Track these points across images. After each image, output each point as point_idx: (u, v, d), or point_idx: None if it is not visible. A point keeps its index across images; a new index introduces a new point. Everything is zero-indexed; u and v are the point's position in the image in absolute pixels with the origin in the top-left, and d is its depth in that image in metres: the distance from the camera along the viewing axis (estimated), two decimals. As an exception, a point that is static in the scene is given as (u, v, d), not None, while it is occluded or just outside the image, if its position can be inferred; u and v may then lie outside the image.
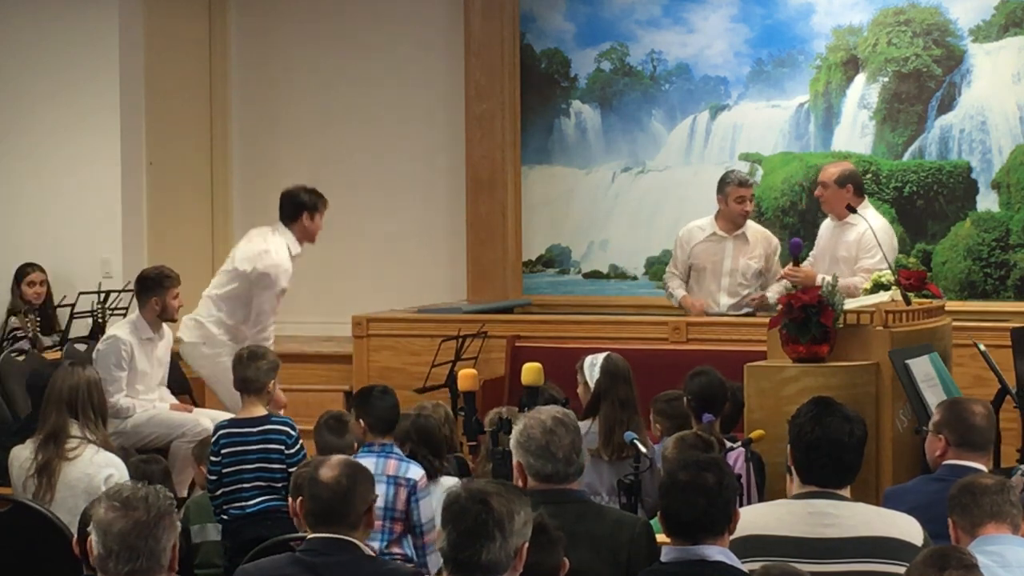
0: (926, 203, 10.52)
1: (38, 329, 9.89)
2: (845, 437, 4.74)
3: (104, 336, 8.56)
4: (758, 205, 10.63)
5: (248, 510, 6.63)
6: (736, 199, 9.30)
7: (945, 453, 5.36)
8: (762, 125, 10.90)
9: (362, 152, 11.62)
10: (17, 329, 9.97)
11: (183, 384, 9.16)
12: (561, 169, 11.33)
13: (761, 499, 5.79)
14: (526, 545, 3.83)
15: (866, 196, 9.25)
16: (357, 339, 9.84)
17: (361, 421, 6.24)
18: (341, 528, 4.46)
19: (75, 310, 9.74)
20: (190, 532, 6.64)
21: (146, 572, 3.81)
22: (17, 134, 10.92)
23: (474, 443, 6.82)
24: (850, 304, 6.79)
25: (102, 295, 9.84)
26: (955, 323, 7.52)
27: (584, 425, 5.93)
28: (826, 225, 9.28)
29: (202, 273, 9.44)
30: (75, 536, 4.74)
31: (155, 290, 8.34)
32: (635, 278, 11.20)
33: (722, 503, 4.25)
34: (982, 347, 7.42)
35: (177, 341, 8.83)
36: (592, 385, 6.76)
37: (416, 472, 6.11)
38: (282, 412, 7.35)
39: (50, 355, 9.27)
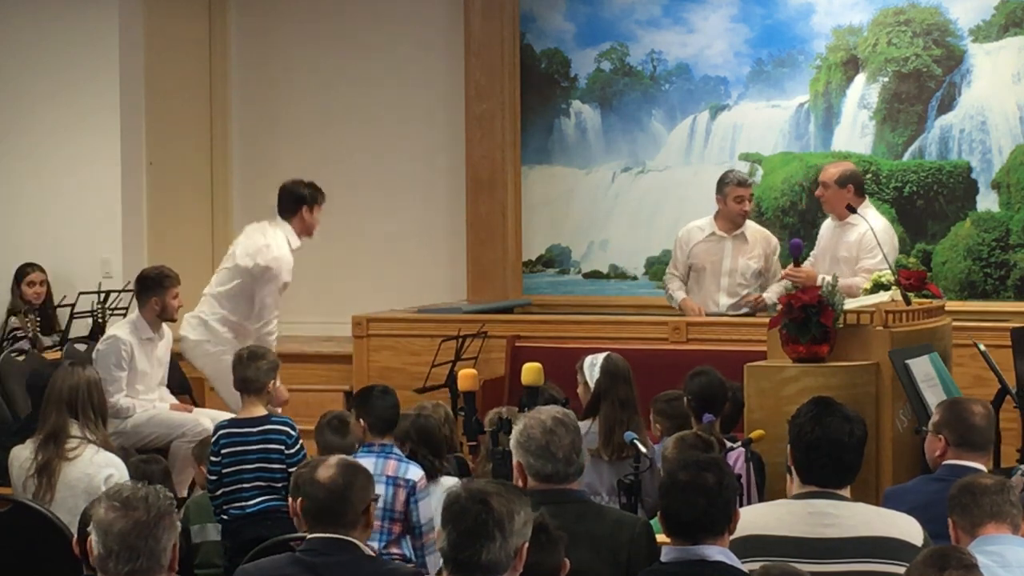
0: (926, 203, 10.52)
1: (38, 329, 9.89)
2: (845, 437, 4.74)
3: (104, 336, 8.56)
4: (758, 205, 10.64)
5: (248, 510, 6.63)
6: (735, 199, 9.30)
7: (945, 453, 5.36)
8: (762, 125, 10.90)
9: (362, 152, 11.62)
10: (17, 329, 9.97)
11: (183, 384, 9.16)
12: (561, 169, 11.33)
13: (761, 499, 5.79)
14: (526, 545, 3.83)
15: (867, 196, 9.25)
16: (357, 339, 9.84)
17: (361, 421, 6.24)
18: (338, 528, 4.46)
19: (75, 310, 9.74)
20: (190, 532, 6.64)
21: (146, 572, 3.81)
22: (17, 134, 10.92)
23: (474, 443, 6.82)
24: (850, 304, 6.79)
25: (102, 295, 9.84)
26: (955, 323, 7.51)
27: (584, 425, 5.93)
28: (827, 225, 9.28)
29: (202, 273, 9.44)
30: (75, 536, 4.74)
31: (155, 290, 8.34)
32: (635, 278, 11.20)
33: (722, 503, 4.25)
34: (982, 347, 7.42)
35: (178, 340, 8.83)
36: (592, 385, 6.76)
37: (415, 473, 6.11)
38: (279, 410, 7.32)
39: (50, 355, 9.27)
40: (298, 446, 6.74)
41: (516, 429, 4.86)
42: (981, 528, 4.59)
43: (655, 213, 11.12)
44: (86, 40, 10.75)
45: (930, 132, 10.53)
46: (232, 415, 7.24)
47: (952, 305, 8.33)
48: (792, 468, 4.81)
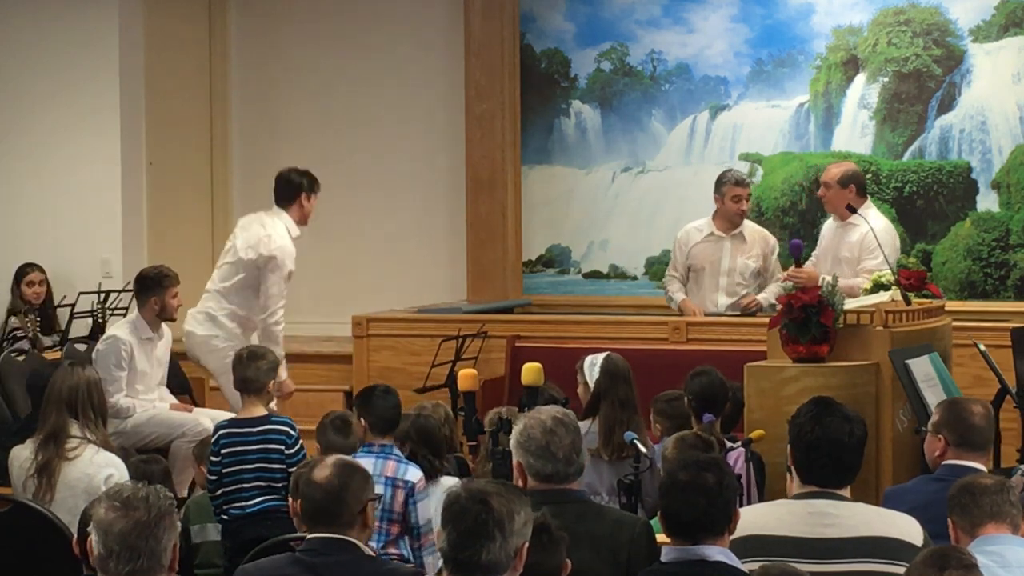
0: (926, 203, 10.53)
1: (38, 329, 9.89)
2: (845, 437, 4.74)
3: (104, 336, 8.56)
4: (758, 205, 10.65)
5: (248, 510, 6.63)
6: (732, 198, 9.30)
7: (944, 453, 5.36)
8: (762, 125, 10.90)
9: (362, 152, 11.63)
10: (17, 329, 9.97)
11: (183, 384, 9.15)
12: (561, 169, 11.33)
13: (761, 499, 5.79)
14: (526, 545, 3.83)
15: (868, 197, 9.25)
16: (357, 339, 9.84)
17: (362, 420, 6.24)
18: (335, 528, 4.45)
19: (75, 310, 9.73)
20: (190, 532, 6.64)
21: (147, 572, 3.81)
22: (17, 134, 10.92)
23: (474, 443, 6.82)
24: (850, 304, 6.79)
25: (102, 295, 9.84)
26: (955, 323, 7.52)
27: (584, 425, 5.93)
28: (828, 225, 9.28)
29: (202, 273, 9.44)
30: (75, 536, 4.74)
31: (154, 290, 8.34)
32: (635, 278, 11.20)
33: (722, 503, 4.25)
34: (982, 347, 7.42)
35: (177, 340, 8.83)
36: (592, 385, 6.75)
37: (414, 474, 6.10)
38: (274, 407, 7.30)
39: (50, 355, 9.26)
40: (298, 446, 6.74)
41: (516, 429, 4.86)
42: (981, 528, 4.59)
43: (655, 213, 11.12)
44: (86, 40, 10.75)
45: (930, 132, 10.53)
46: (233, 415, 7.23)
47: (952, 305, 8.33)
48: (792, 468, 4.81)
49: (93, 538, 3.86)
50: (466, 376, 6.23)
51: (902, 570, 4.22)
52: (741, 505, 4.60)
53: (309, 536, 4.50)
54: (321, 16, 11.73)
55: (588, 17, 11.23)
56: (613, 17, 11.19)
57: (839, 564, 4.56)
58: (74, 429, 6.50)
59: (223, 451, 6.68)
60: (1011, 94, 10.38)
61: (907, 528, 4.62)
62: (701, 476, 4.26)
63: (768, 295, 9.27)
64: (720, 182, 9.39)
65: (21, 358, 9.13)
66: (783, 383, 6.40)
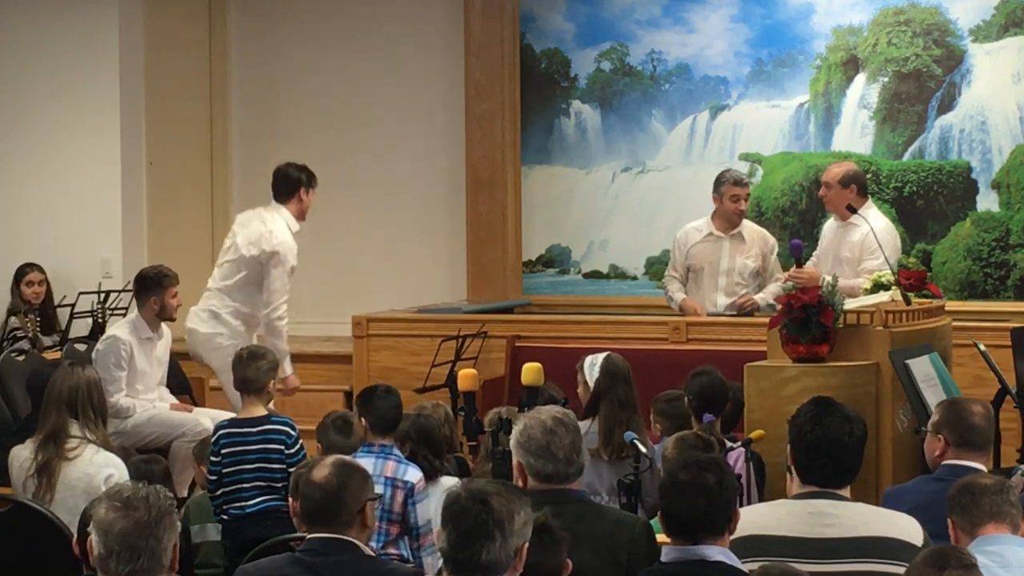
0: (926, 203, 10.53)
1: (38, 329, 9.89)
2: (845, 437, 4.74)
3: (103, 336, 8.56)
4: (758, 205, 10.65)
5: (248, 510, 6.63)
6: (731, 198, 9.30)
7: (944, 453, 5.36)
8: (762, 125, 10.90)
9: (362, 152, 11.63)
10: (17, 329, 9.98)
11: (183, 384, 9.15)
12: (561, 169, 11.33)
13: (761, 499, 5.79)
14: (526, 545, 3.83)
15: (870, 197, 9.24)
16: (357, 339, 9.84)
17: (363, 420, 6.25)
18: (334, 528, 4.45)
19: (75, 310, 9.73)
20: (190, 532, 6.63)
21: (147, 572, 3.81)
22: (17, 134, 10.92)
23: (474, 443, 6.82)
24: (850, 304, 6.79)
25: (102, 295, 9.84)
26: (955, 323, 7.51)
27: (584, 425, 5.93)
28: (829, 225, 9.28)
29: (202, 273, 9.44)
30: (75, 536, 4.74)
31: (154, 289, 8.33)
32: (635, 278, 11.20)
33: (722, 503, 4.25)
34: (982, 347, 7.43)
35: (177, 340, 8.83)
36: (592, 385, 6.75)
37: (414, 475, 6.10)
38: (272, 405, 7.28)
39: (50, 355, 9.26)
40: (298, 446, 6.74)
41: (516, 429, 4.86)
42: (981, 528, 4.59)
43: (655, 213, 11.12)
44: (86, 40, 10.75)
45: (930, 132, 10.53)
46: (233, 415, 7.23)
47: (952, 305, 8.33)
48: (792, 468, 4.81)
49: (93, 538, 3.86)
50: (466, 376, 6.23)
51: (902, 570, 4.22)
52: (741, 505, 4.60)
53: (309, 536, 4.50)
54: (321, 16, 11.73)
55: (588, 17, 11.23)
56: (613, 17, 11.19)
57: (839, 564, 4.56)
58: (74, 429, 6.50)
59: (223, 451, 6.68)
60: (1011, 94, 10.38)
61: (907, 528, 4.62)
62: (701, 476, 4.26)
63: (766, 295, 9.27)
64: (718, 182, 9.39)
65: (21, 358, 9.13)
66: (783, 383, 6.40)
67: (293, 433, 6.74)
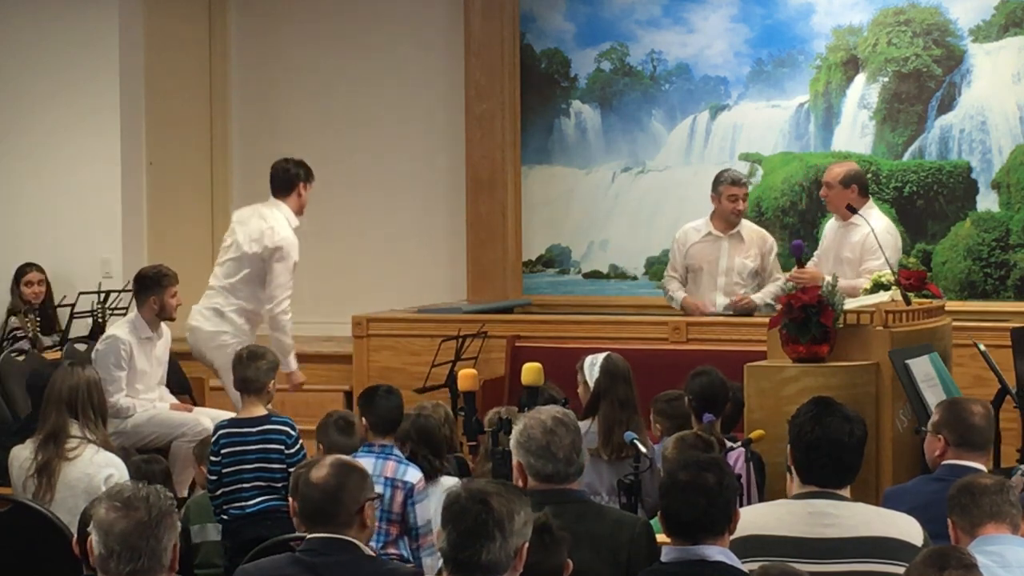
0: (926, 203, 10.53)
1: (38, 329, 9.89)
2: (845, 437, 4.74)
3: (103, 336, 8.56)
4: (758, 205, 10.65)
5: (248, 510, 6.63)
6: (728, 197, 9.30)
7: (944, 453, 5.36)
8: (762, 125, 10.90)
9: (362, 152, 11.63)
10: (17, 329, 9.98)
11: (183, 384, 9.15)
12: (561, 169, 11.33)
13: (761, 499, 5.79)
14: (526, 545, 3.83)
15: (871, 197, 9.24)
16: (357, 339, 9.84)
17: (364, 420, 6.25)
18: (332, 528, 4.45)
19: (75, 310, 9.73)
20: (190, 532, 6.64)
21: (147, 572, 3.81)
22: (17, 134, 10.92)
23: (474, 443, 6.82)
24: (850, 304, 6.79)
25: (102, 295, 9.84)
26: (955, 323, 7.51)
27: (584, 425, 5.92)
28: (830, 225, 9.27)
29: (202, 272, 9.44)
30: (75, 536, 4.75)
31: (153, 289, 8.33)
32: (635, 278, 11.20)
33: (722, 503, 4.25)
34: (982, 347, 7.42)
35: (177, 340, 8.82)
36: (592, 385, 6.75)
37: (414, 475, 6.10)
38: (271, 406, 7.26)
39: (50, 355, 9.26)
40: (298, 446, 6.74)
41: (516, 429, 4.86)
42: (981, 528, 4.59)
43: (655, 213, 11.12)
44: (86, 40, 10.75)
45: (930, 132, 10.53)
46: (233, 414, 7.23)
47: (952, 305, 8.33)
48: (792, 468, 4.81)
49: (93, 538, 3.86)
50: (466, 376, 6.22)
51: (902, 570, 4.22)
52: (741, 505, 4.60)
53: (309, 536, 4.50)
54: (321, 16, 11.72)
55: (588, 17, 11.23)
56: (613, 17, 11.19)
57: (839, 564, 4.56)
58: (74, 429, 6.50)
59: (223, 451, 6.68)
60: (1011, 94, 10.38)
61: (907, 528, 4.62)
62: (701, 476, 4.26)
63: (764, 295, 9.28)
64: (717, 182, 9.39)
65: (21, 358, 9.13)
66: (783, 383, 6.40)
67: (293, 433, 6.74)
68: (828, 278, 6.86)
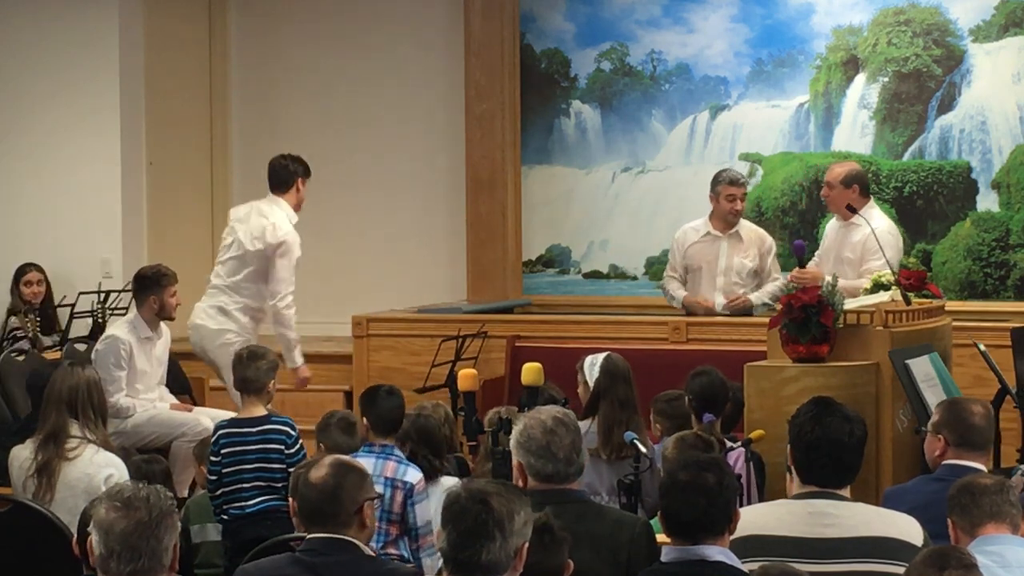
0: (926, 203, 10.53)
1: (38, 329, 9.89)
2: (845, 437, 4.74)
3: (103, 336, 8.56)
4: (758, 205, 10.65)
5: (248, 510, 6.63)
6: (727, 198, 9.29)
7: (944, 453, 5.36)
8: (762, 125, 10.90)
9: (362, 152, 11.63)
10: (17, 329, 9.98)
11: (183, 384, 9.15)
12: (561, 169, 11.33)
13: (761, 499, 5.79)
14: (526, 545, 3.83)
15: (872, 197, 9.23)
16: (357, 339, 9.85)
17: (365, 420, 6.25)
18: (331, 527, 4.45)
19: (75, 310, 9.73)
20: (190, 532, 6.63)
21: (148, 572, 3.81)
22: (17, 134, 10.92)
23: (474, 443, 6.82)
24: (850, 304, 6.79)
25: (102, 295, 9.84)
26: (955, 323, 7.51)
27: (584, 425, 5.92)
28: (832, 225, 9.26)
29: (202, 272, 9.44)
30: (75, 536, 4.75)
31: (152, 288, 8.33)
32: (635, 278, 11.20)
33: (722, 503, 4.25)
34: (982, 347, 7.42)
35: (177, 340, 8.82)
36: (592, 385, 6.75)
37: (414, 475, 6.10)
38: (271, 406, 7.25)
39: (50, 355, 9.26)
40: (298, 446, 6.74)
41: (516, 429, 4.86)
42: (980, 528, 4.59)
43: (655, 213, 11.12)
44: (86, 40, 10.75)
45: (930, 132, 10.53)
46: (233, 414, 7.23)
47: (952, 305, 8.33)
48: (792, 468, 4.81)
49: (94, 538, 3.85)
50: (466, 376, 6.22)
51: (902, 570, 4.22)
52: (741, 505, 4.60)
53: (309, 536, 4.50)
54: (321, 16, 11.72)
55: (588, 17, 11.23)
56: (613, 17, 11.19)
57: (839, 564, 4.56)
58: (74, 429, 6.50)
59: (223, 451, 6.68)
60: (1011, 94, 10.38)
61: (907, 528, 4.62)
62: (701, 476, 4.26)
63: (761, 294, 9.28)
64: (715, 182, 9.39)
65: (21, 358, 9.13)
66: (783, 383, 6.40)
67: (293, 433, 6.74)
68: (828, 278, 6.86)
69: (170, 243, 11.12)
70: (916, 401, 6.34)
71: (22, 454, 6.55)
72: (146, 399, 8.33)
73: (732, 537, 4.30)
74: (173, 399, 8.57)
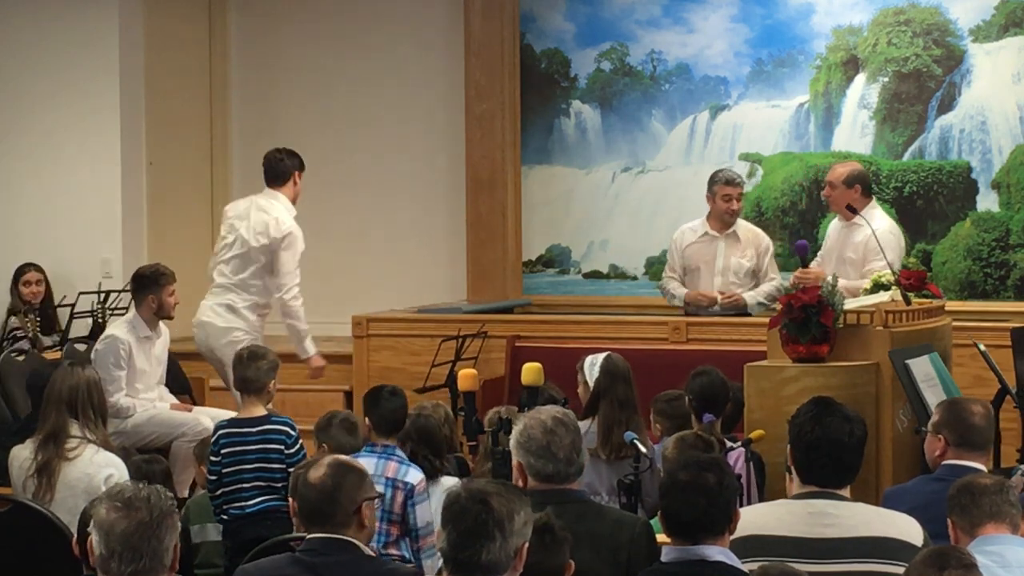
0: (926, 203, 10.53)
1: (38, 329, 9.89)
2: (845, 437, 4.74)
3: (102, 336, 8.56)
4: (758, 205, 10.65)
5: (248, 510, 6.63)
6: (723, 197, 9.30)
7: (944, 453, 5.36)
8: (762, 125, 10.90)
9: (362, 152, 11.63)
10: (17, 329, 9.98)
11: (183, 384, 9.15)
12: (561, 169, 11.33)
13: (761, 499, 5.79)
14: (526, 545, 3.83)
15: (873, 197, 9.22)
16: (357, 339, 9.85)
17: (367, 420, 6.25)
18: (330, 527, 4.45)
19: (75, 310, 9.73)
20: (190, 532, 6.64)
21: (148, 572, 3.81)
22: (17, 134, 10.92)
23: (474, 443, 6.82)
24: (850, 304, 6.79)
25: (102, 295, 9.84)
26: (955, 323, 7.51)
27: (584, 425, 5.92)
28: (834, 225, 9.26)
29: (202, 273, 9.44)
30: (75, 536, 4.75)
31: (151, 288, 8.33)
32: (635, 278, 11.20)
33: (722, 503, 4.25)
34: (982, 347, 7.42)
35: (177, 340, 8.82)
36: (592, 385, 6.75)
37: (415, 476, 6.10)
38: (271, 406, 7.24)
39: (50, 355, 9.26)
40: (298, 446, 6.74)
41: (516, 429, 4.86)
42: (980, 528, 4.59)
43: (655, 213, 11.12)
44: (86, 40, 10.75)
45: (930, 132, 10.53)
46: (233, 414, 7.23)
47: (952, 305, 8.33)
48: (792, 468, 4.81)
49: (94, 538, 3.85)
50: (466, 376, 6.22)
51: (902, 570, 4.22)
52: (741, 505, 4.60)
53: (309, 536, 4.50)
54: (321, 16, 11.72)
55: (588, 17, 11.23)
56: (613, 17, 11.19)
57: (839, 564, 4.56)
58: (74, 429, 6.50)
59: (223, 451, 6.68)
60: (1011, 94, 10.38)
61: (907, 528, 4.63)
62: (701, 476, 4.26)
63: (756, 294, 9.27)
64: (711, 181, 9.39)
65: (21, 358, 9.13)
66: (783, 383, 6.40)
67: (293, 433, 6.74)
68: (829, 278, 6.86)
69: (170, 243, 11.12)
70: (916, 401, 6.34)
71: (22, 454, 6.55)
72: (146, 399, 8.33)
73: (732, 537, 4.31)
74: (173, 399, 8.57)
